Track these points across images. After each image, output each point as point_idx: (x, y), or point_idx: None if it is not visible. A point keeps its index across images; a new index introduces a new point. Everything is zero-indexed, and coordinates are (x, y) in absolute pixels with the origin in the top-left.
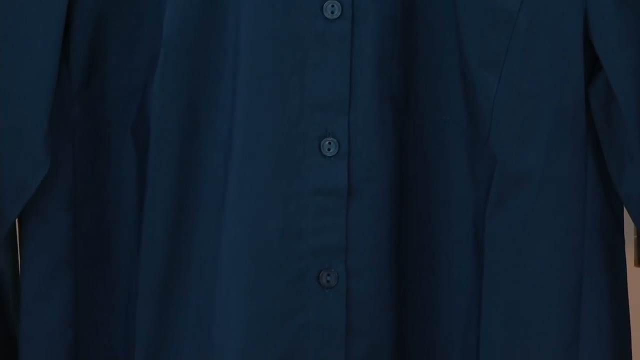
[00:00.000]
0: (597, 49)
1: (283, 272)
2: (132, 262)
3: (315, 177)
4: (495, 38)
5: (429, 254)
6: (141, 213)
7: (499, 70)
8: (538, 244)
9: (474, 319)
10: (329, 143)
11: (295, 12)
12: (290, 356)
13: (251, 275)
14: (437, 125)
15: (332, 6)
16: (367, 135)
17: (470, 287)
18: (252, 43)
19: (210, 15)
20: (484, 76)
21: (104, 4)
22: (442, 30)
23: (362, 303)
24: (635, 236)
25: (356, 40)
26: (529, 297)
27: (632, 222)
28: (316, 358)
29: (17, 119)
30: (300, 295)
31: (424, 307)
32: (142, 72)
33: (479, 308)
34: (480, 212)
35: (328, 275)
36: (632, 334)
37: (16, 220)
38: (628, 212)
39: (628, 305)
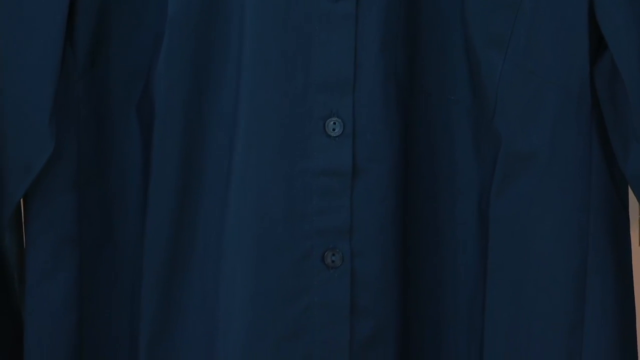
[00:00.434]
0: (603, 29)
1: (288, 252)
2: (137, 243)
3: (320, 157)
4: (500, 17)
5: (434, 233)
6: (146, 193)
7: (504, 49)
8: (543, 223)
9: (478, 299)
10: (334, 123)
11: None
12: (295, 336)
13: (256, 255)
14: (442, 104)
15: None
16: (372, 115)
17: (475, 266)
18: (257, 23)
19: None
20: (489, 55)
21: None
22: (447, 10)
23: (366, 283)
24: None
25: (361, 20)
26: (534, 276)
27: (636, 202)
28: (321, 338)
29: (22, 100)
30: (305, 275)
31: (428, 286)
32: (146, 52)
33: (483, 287)
34: (485, 192)
35: (333, 255)
36: (636, 313)
37: (21, 200)
38: (633, 191)
39: (632, 285)
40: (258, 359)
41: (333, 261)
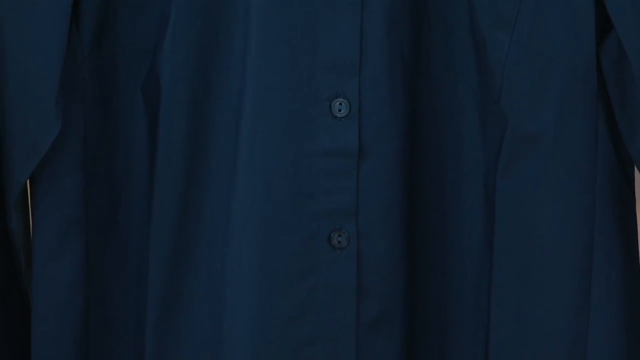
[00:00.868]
0: (609, 9)
1: (294, 233)
2: (144, 223)
3: (326, 138)
4: None
5: (440, 215)
6: (152, 175)
7: (510, 30)
8: (549, 204)
9: (484, 280)
10: (340, 104)
11: None
12: (301, 316)
13: (262, 235)
14: (448, 85)
15: None
16: (378, 96)
17: (480, 247)
18: (263, 5)
19: None
20: (495, 36)
21: None
22: None
23: (372, 264)
24: None
25: (367, 2)
26: (540, 257)
27: None
28: (327, 318)
29: (28, 81)
30: (311, 256)
31: (434, 268)
32: (152, 33)
33: (489, 269)
34: (491, 173)
35: (339, 236)
36: None
37: (27, 181)
38: (639, 172)
39: (639, 265)
40: (265, 340)
41: (339, 242)
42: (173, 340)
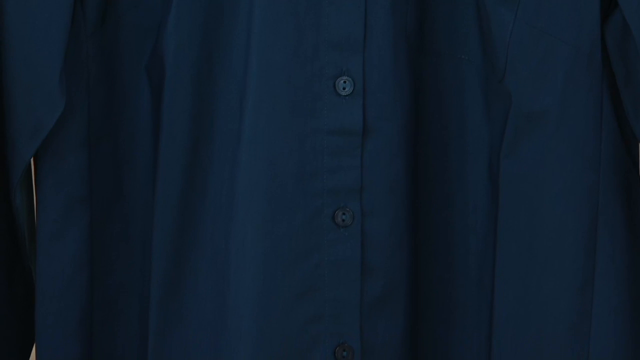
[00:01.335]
0: None
1: (299, 211)
2: (147, 202)
3: (330, 116)
4: None
5: (444, 193)
6: (156, 151)
7: (514, 8)
8: (553, 182)
9: (488, 258)
10: (344, 82)
11: None
12: (305, 294)
13: (267, 213)
14: (453, 63)
15: None
16: (382, 74)
17: (485, 225)
18: None
19: None
20: (500, 13)
21: None
22: None
23: (377, 242)
24: None
25: None
26: (544, 235)
27: None
28: (331, 296)
29: (32, 59)
30: (315, 234)
31: (439, 246)
32: (156, 11)
33: (493, 247)
34: (495, 151)
35: (343, 214)
36: None
37: (32, 159)
38: None
39: None
40: (269, 317)
41: (343, 220)
42: (177, 318)
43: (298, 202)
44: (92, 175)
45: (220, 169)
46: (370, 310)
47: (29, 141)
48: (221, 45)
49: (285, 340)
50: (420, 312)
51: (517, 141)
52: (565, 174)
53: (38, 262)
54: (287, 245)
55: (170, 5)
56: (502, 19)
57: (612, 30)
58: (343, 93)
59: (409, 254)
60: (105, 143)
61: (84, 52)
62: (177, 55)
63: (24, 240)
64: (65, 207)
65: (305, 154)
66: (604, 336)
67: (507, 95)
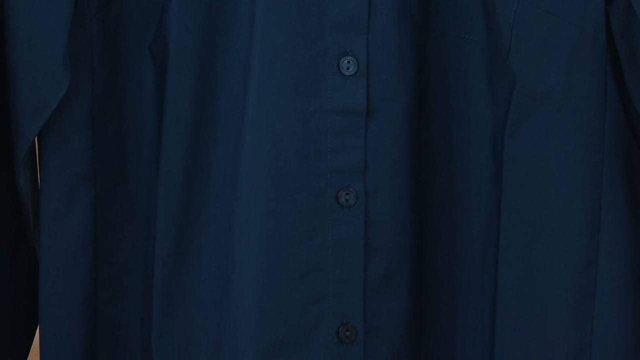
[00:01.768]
0: None
1: (302, 191)
2: (152, 180)
3: (334, 96)
4: None
5: (448, 173)
6: (160, 131)
7: None
8: (557, 162)
9: (492, 238)
10: (348, 62)
11: None
12: (308, 274)
13: (270, 193)
14: (457, 44)
15: None
16: (386, 54)
17: (488, 206)
18: None
19: None
20: None
21: None
22: None
23: (380, 222)
24: None
25: None
26: (548, 215)
27: None
28: (335, 276)
29: (36, 39)
30: (319, 214)
31: (442, 225)
32: None
33: (497, 227)
34: (500, 131)
35: (347, 194)
36: None
37: (35, 139)
38: None
39: None
40: (273, 297)
41: (347, 200)
42: (181, 297)
43: (302, 182)
44: (96, 155)
45: (224, 149)
46: (374, 291)
47: (32, 121)
48: (225, 25)
49: (289, 320)
50: (423, 292)
51: (521, 121)
52: (569, 153)
53: (42, 241)
54: (291, 225)
55: None
56: None
57: (616, 11)
58: (347, 73)
59: (413, 234)
60: (109, 123)
61: (87, 32)
62: (181, 35)
63: (28, 220)
64: (69, 187)
65: (309, 134)
66: (607, 316)
67: (511, 75)
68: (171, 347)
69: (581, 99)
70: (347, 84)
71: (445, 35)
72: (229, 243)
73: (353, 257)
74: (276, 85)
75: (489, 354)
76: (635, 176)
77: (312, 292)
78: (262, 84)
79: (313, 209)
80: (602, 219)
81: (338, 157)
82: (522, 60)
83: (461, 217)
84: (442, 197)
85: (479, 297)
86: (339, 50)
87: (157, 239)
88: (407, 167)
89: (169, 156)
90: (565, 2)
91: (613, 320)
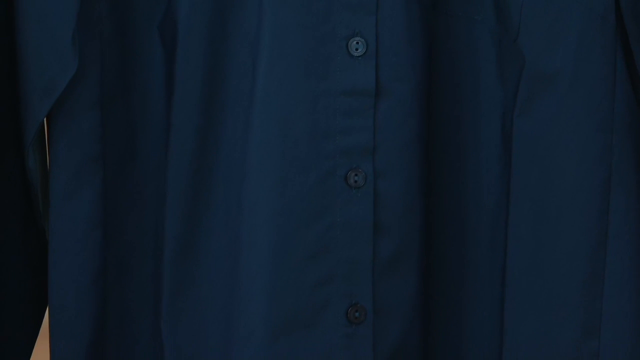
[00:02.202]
0: None
1: (311, 171)
2: (161, 160)
3: (343, 77)
4: None
5: (457, 153)
6: (169, 112)
7: None
8: (566, 142)
9: (501, 218)
10: (357, 43)
11: None
12: (317, 255)
13: (279, 174)
14: (466, 24)
15: None
16: (395, 36)
17: (498, 186)
18: None
19: None
20: None
21: None
22: None
23: (389, 203)
24: None
25: None
26: (557, 196)
27: None
28: (344, 257)
29: (45, 19)
30: (328, 195)
31: (452, 206)
32: None
33: (506, 207)
34: (509, 112)
35: (356, 175)
36: None
37: (45, 120)
38: None
39: None
40: (282, 278)
41: (356, 181)
42: (190, 278)
43: (311, 163)
44: (106, 135)
45: (233, 130)
46: (383, 271)
47: (41, 101)
48: (234, 5)
49: (298, 301)
50: (432, 272)
51: (530, 101)
52: (578, 134)
53: (51, 221)
54: (300, 206)
55: None
56: None
57: None
58: (355, 54)
59: (422, 215)
60: (118, 103)
61: (96, 12)
62: (190, 15)
63: (37, 200)
64: (78, 167)
65: (318, 114)
66: (617, 296)
67: (520, 56)
68: (181, 327)
69: (590, 80)
70: (356, 65)
71: (454, 16)
72: (238, 224)
73: (362, 238)
74: (285, 66)
75: (498, 334)
76: None
77: (321, 273)
78: (270, 65)
79: (322, 190)
80: (612, 199)
81: (347, 138)
82: (531, 41)
83: (470, 198)
84: (451, 178)
85: (488, 277)
86: (348, 30)
87: (167, 220)
88: (416, 148)
89: (178, 137)
90: None
91: (623, 301)
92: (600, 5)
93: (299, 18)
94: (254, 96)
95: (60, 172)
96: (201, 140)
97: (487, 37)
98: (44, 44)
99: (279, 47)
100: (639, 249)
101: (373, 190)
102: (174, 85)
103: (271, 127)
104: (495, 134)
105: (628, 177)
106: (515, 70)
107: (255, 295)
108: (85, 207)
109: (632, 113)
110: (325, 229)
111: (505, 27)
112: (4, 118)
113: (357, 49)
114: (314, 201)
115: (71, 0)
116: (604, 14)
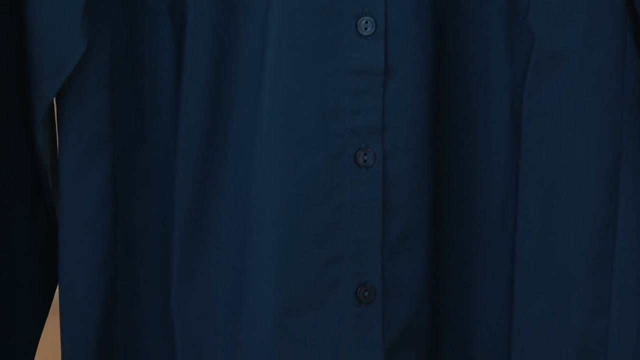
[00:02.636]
0: None
1: (320, 151)
2: (170, 142)
3: (352, 56)
4: None
5: (467, 133)
6: (178, 92)
7: None
8: (575, 122)
9: (511, 198)
10: (366, 22)
11: None
12: (327, 235)
13: (288, 154)
14: (475, 3)
15: None
16: (404, 14)
17: (507, 166)
18: None
19: None
20: None
21: None
22: None
23: (398, 182)
24: None
25: None
26: (566, 175)
27: None
28: (353, 236)
29: None
30: (337, 175)
31: (461, 186)
32: None
33: (516, 187)
34: (518, 91)
35: (365, 154)
36: None
37: (54, 100)
38: None
39: None
40: (291, 258)
41: (365, 161)
42: (199, 258)
43: (320, 142)
44: (115, 116)
45: (243, 110)
46: (392, 251)
47: (51, 81)
48: None
49: (307, 281)
50: (442, 251)
51: (540, 80)
52: (588, 113)
53: (61, 201)
54: (309, 185)
55: None
56: None
57: None
58: (365, 33)
59: (431, 194)
60: (128, 84)
61: None
62: None
63: (47, 179)
64: (88, 147)
65: (327, 94)
66: (626, 275)
67: (530, 34)
68: (190, 307)
69: (600, 58)
70: (365, 44)
71: None
72: (247, 204)
73: (371, 218)
74: (294, 45)
75: (506, 314)
76: None
77: (330, 253)
78: (279, 45)
79: (331, 169)
80: (622, 178)
81: (356, 118)
82: (540, 20)
83: (479, 177)
84: (461, 156)
85: (497, 257)
86: (357, 10)
87: (176, 201)
88: (425, 127)
89: (187, 118)
90: None
91: (631, 280)
92: None
93: None
94: (263, 76)
95: (71, 151)
96: (210, 121)
97: (497, 15)
98: (53, 23)
99: (288, 28)
100: None
101: (382, 169)
102: (183, 67)
103: (280, 107)
104: (505, 112)
105: (637, 156)
106: (525, 49)
107: (264, 275)
108: (96, 187)
109: None
110: (334, 209)
111: (514, 5)
112: (15, 96)
113: (366, 29)
114: (323, 181)
115: None
116: None
